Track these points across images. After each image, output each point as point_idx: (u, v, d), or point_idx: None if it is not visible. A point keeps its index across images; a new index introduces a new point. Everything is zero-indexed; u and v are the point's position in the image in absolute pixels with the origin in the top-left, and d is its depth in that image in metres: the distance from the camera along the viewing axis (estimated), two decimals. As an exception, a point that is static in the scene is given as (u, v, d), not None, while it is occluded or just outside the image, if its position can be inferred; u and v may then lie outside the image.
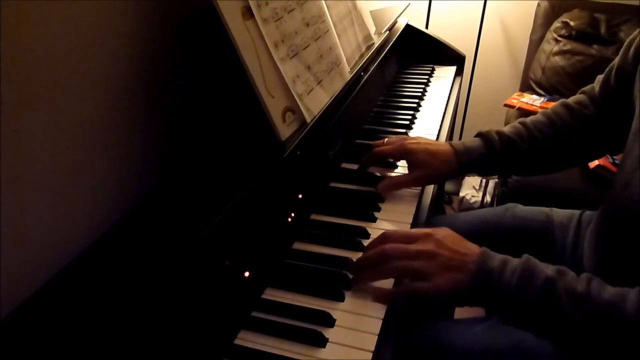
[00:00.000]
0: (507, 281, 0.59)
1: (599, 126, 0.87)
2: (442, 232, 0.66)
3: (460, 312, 1.23)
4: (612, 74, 0.83)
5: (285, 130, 0.73)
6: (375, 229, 0.78)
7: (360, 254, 0.72)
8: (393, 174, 0.93)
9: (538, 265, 0.61)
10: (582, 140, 0.89)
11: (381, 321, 0.62)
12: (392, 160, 0.96)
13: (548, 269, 0.60)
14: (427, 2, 2.09)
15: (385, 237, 0.67)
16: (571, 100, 0.91)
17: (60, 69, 0.55)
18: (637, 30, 0.78)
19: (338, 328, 0.62)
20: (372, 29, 1.15)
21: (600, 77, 0.88)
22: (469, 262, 0.62)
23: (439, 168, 0.86)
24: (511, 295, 0.59)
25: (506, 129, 0.89)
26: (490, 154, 0.87)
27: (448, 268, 0.61)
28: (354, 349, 0.59)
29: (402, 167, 0.95)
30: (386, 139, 0.92)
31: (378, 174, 0.92)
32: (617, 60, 0.82)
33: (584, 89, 0.92)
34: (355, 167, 0.95)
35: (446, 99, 1.26)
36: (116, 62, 0.63)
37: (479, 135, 0.90)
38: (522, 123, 0.90)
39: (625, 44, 0.80)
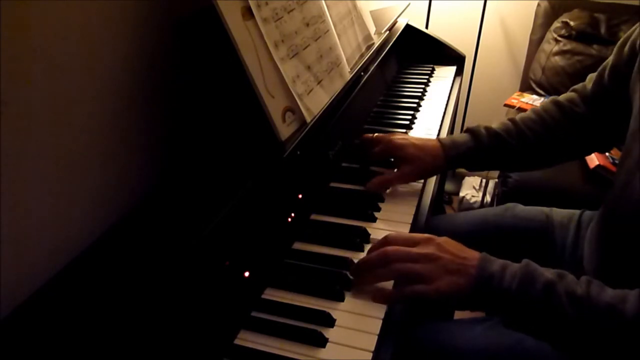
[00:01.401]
0: (507, 285, 0.59)
1: (589, 124, 0.87)
2: (443, 238, 0.66)
3: (460, 313, 1.23)
4: (605, 72, 0.83)
5: (285, 130, 0.73)
6: (375, 229, 0.78)
7: (360, 254, 0.72)
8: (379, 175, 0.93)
9: (538, 269, 0.61)
10: (571, 138, 0.89)
11: (381, 321, 0.62)
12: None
13: (548, 273, 0.60)
14: (427, 2, 2.09)
15: (387, 240, 0.67)
16: (562, 97, 0.92)
17: (60, 69, 0.55)
18: (632, 28, 0.78)
19: (338, 328, 0.62)
20: (372, 29, 1.15)
21: (592, 76, 0.88)
22: (470, 266, 0.62)
23: (428, 162, 0.87)
24: (512, 299, 0.59)
25: (495, 125, 0.90)
26: (477, 148, 0.88)
27: (449, 271, 0.62)
28: (354, 349, 0.59)
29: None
30: (375, 135, 0.93)
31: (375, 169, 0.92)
32: (611, 58, 0.82)
33: (575, 87, 0.92)
34: (355, 167, 0.95)
35: (446, 99, 1.26)
36: (116, 62, 0.63)
37: (467, 130, 0.91)
38: (511, 120, 0.91)
39: (619, 42, 0.80)
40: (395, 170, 0.89)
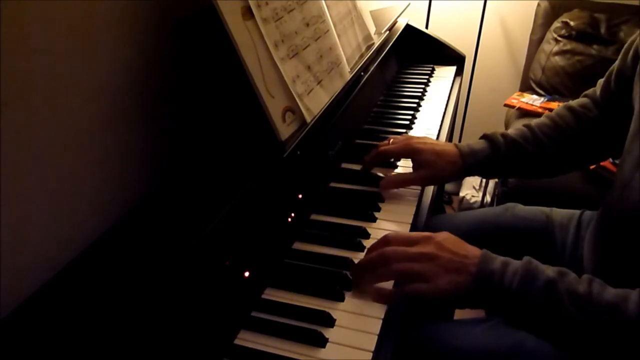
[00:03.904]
0: (508, 283, 0.59)
1: (602, 129, 0.87)
2: (443, 235, 0.66)
3: (460, 313, 1.22)
4: (612, 77, 0.83)
5: (285, 130, 0.73)
6: (375, 229, 0.78)
7: (360, 254, 0.72)
8: (395, 173, 0.93)
9: (539, 266, 0.61)
10: (586, 143, 0.89)
11: (381, 321, 0.62)
12: (392, 160, 0.96)
13: (549, 270, 0.60)
14: (427, 2, 2.09)
15: (386, 240, 0.67)
16: (575, 103, 0.91)
17: (61, 69, 0.55)
18: (636, 33, 0.78)
19: (338, 328, 0.62)
20: (372, 29, 1.15)
21: (601, 81, 0.88)
22: (470, 264, 0.61)
23: (445, 169, 0.86)
24: (512, 297, 0.59)
25: (511, 132, 0.89)
26: (495, 155, 0.87)
27: (449, 270, 0.61)
28: (354, 349, 0.59)
29: (402, 167, 0.95)
30: (391, 139, 0.92)
31: (380, 174, 0.91)
32: (616, 63, 0.82)
33: (586, 92, 0.92)
34: (355, 167, 0.95)
35: (446, 99, 1.26)
36: (116, 62, 0.63)
37: (484, 137, 0.90)
38: (526, 126, 0.90)
39: (625, 47, 0.80)
40: (412, 171, 0.89)
